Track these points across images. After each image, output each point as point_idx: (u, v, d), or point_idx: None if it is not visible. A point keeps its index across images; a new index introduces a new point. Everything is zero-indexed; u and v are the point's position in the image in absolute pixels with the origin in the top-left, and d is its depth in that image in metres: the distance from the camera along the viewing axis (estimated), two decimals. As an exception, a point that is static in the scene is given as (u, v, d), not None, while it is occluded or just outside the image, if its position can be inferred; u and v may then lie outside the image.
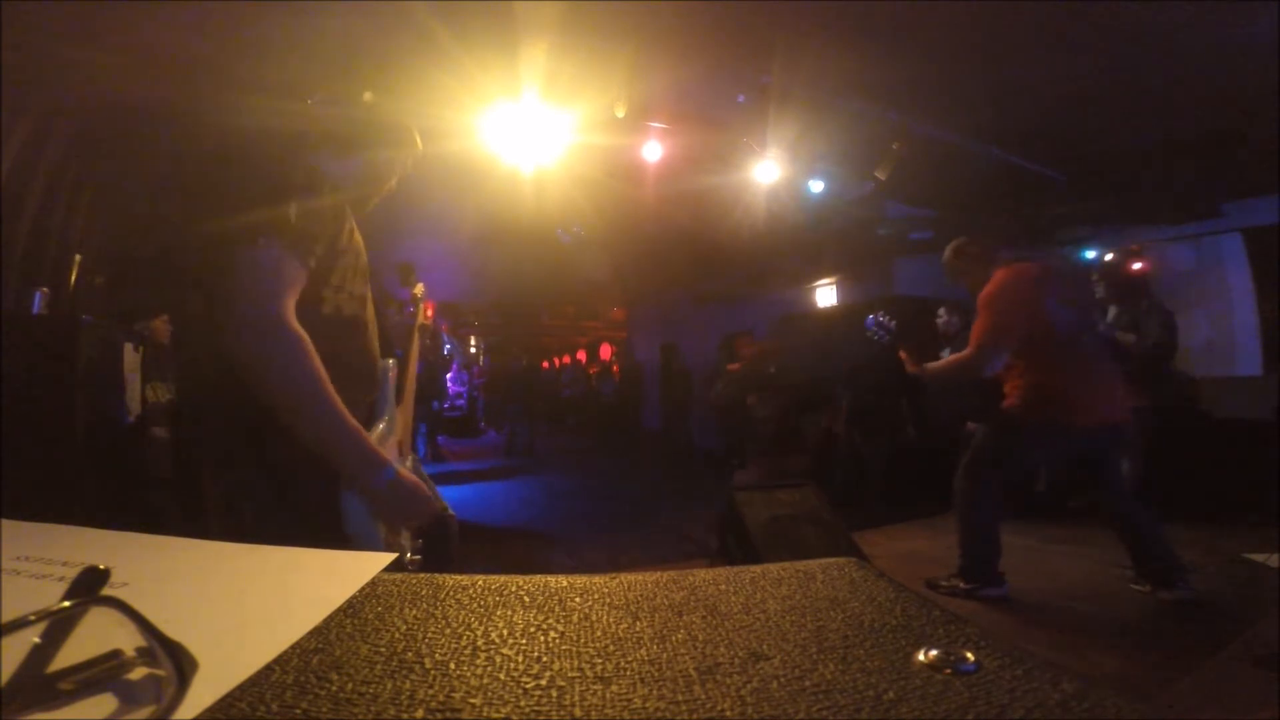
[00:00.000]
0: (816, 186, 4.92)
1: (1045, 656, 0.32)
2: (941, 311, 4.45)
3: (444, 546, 1.53)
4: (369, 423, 1.17)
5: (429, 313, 1.80)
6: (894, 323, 2.70)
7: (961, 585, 2.67)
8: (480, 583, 0.44)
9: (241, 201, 1.00)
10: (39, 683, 0.26)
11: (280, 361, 0.95)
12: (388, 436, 1.22)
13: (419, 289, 1.93)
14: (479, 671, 0.31)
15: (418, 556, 1.23)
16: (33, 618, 0.27)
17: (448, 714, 0.27)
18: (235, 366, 0.95)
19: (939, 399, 4.45)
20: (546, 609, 0.40)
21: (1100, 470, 2.60)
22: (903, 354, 2.71)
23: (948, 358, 2.72)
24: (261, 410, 0.98)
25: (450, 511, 1.58)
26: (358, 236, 1.21)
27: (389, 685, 0.30)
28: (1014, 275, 2.60)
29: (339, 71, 2.75)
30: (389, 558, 0.47)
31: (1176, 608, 2.44)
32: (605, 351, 13.81)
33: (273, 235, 0.99)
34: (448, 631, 0.36)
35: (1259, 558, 2.99)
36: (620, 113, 3.69)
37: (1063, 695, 0.28)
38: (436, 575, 0.45)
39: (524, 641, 0.35)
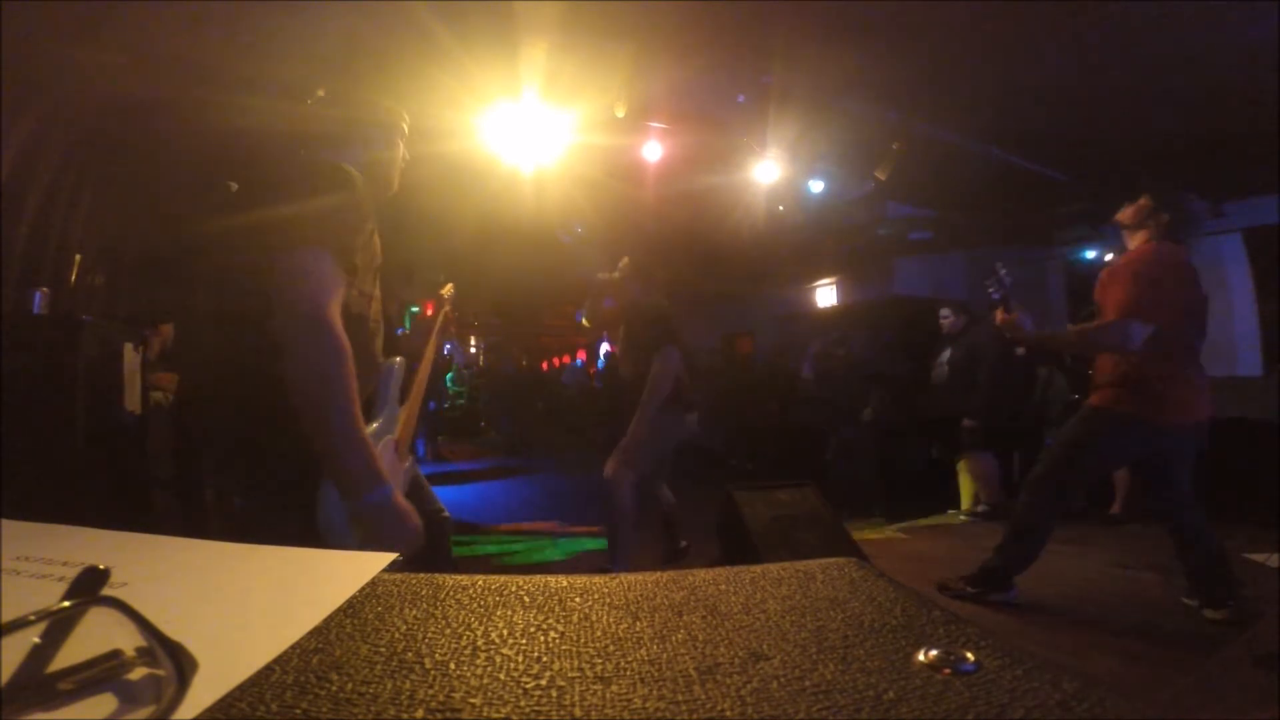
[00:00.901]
0: (816, 186, 4.92)
1: (1045, 656, 0.32)
2: (946, 311, 4.43)
3: (438, 548, 1.52)
4: (365, 418, 1.18)
5: (447, 314, 1.78)
6: (1010, 279, 2.46)
7: (969, 590, 2.60)
8: (480, 583, 0.44)
9: (282, 204, 1.03)
10: (39, 683, 0.26)
11: (323, 364, 0.98)
12: (383, 435, 1.22)
13: (448, 289, 1.92)
14: (479, 671, 0.31)
15: (400, 557, 1.23)
16: (33, 618, 0.27)
17: (448, 714, 0.27)
18: (281, 358, 0.97)
19: (937, 397, 4.44)
20: (546, 609, 0.40)
21: (1168, 472, 2.41)
22: (1001, 317, 2.52)
23: (1084, 325, 2.45)
24: (261, 411, 0.99)
25: (446, 514, 1.58)
26: (376, 237, 1.22)
27: (389, 685, 0.30)
28: (1175, 253, 2.36)
29: (339, 71, 2.75)
30: (389, 557, 0.47)
31: (1189, 612, 2.38)
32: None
33: (322, 240, 1.01)
34: (448, 631, 0.36)
35: (1259, 558, 2.99)
36: (620, 113, 3.69)
37: (1063, 695, 0.28)
38: (436, 575, 0.45)
39: (524, 641, 0.35)
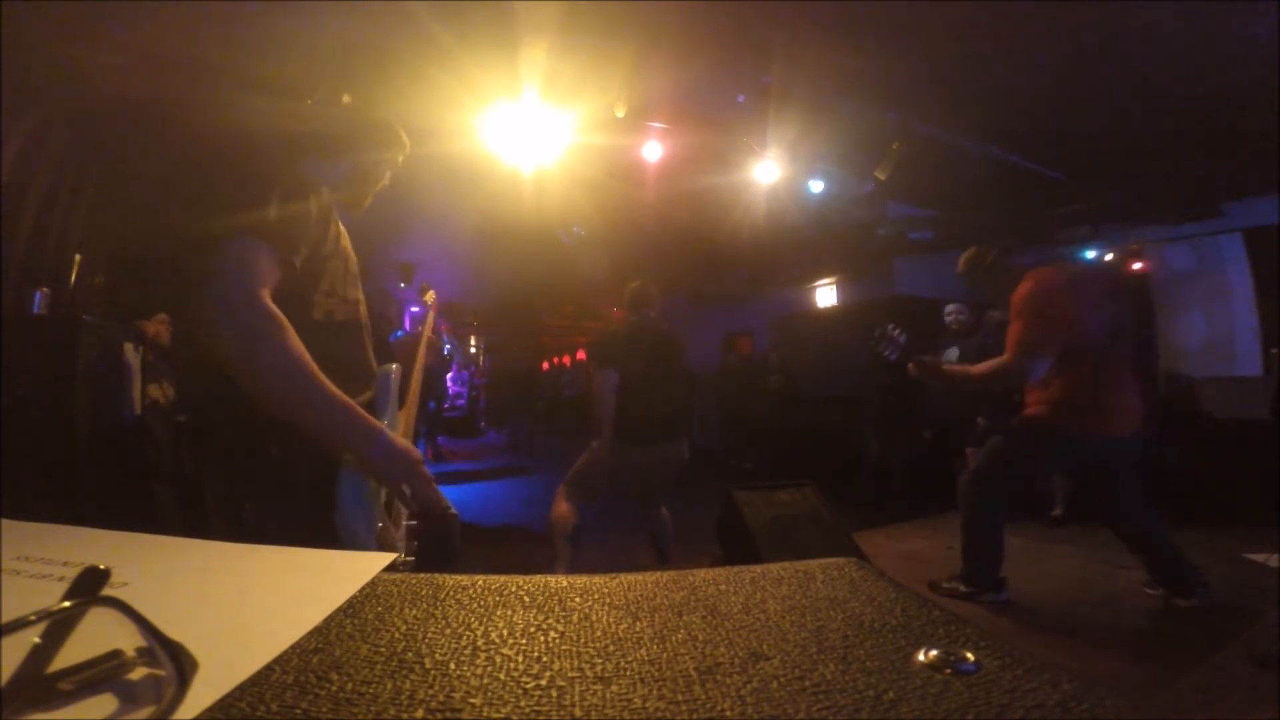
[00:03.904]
0: (816, 186, 4.91)
1: (1045, 657, 0.32)
2: (951, 309, 4.42)
3: (447, 545, 1.53)
4: None
5: (433, 320, 1.79)
6: (904, 336, 2.59)
7: (962, 589, 2.67)
8: (480, 583, 0.44)
9: (224, 202, 1.01)
10: (39, 683, 0.26)
11: (260, 345, 0.95)
12: None
13: (430, 296, 1.93)
14: (479, 671, 0.31)
15: (410, 558, 1.24)
16: (33, 618, 0.27)
17: (448, 714, 0.27)
18: (219, 357, 0.95)
19: (946, 399, 4.43)
20: (546, 609, 0.40)
21: (1113, 479, 2.54)
22: (912, 369, 2.61)
23: (987, 363, 2.59)
24: (258, 408, 0.99)
25: (453, 510, 1.58)
26: (346, 241, 1.21)
27: (389, 685, 0.30)
28: (1049, 279, 2.50)
29: (339, 71, 2.75)
30: (389, 558, 0.47)
31: (1189, 612, 2.41)
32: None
33: (249, 232, 0.99)
34: (448, 631, 0.36)
35: (1259, 558, 3.00)
36: (620, 113, 3.69)
37: (1063, 695, 0.28)
38: (436, 575, 0.45)
39: (524, 641, 0.35)
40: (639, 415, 2.76)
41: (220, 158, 1.15)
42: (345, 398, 1.02)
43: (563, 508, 2.83)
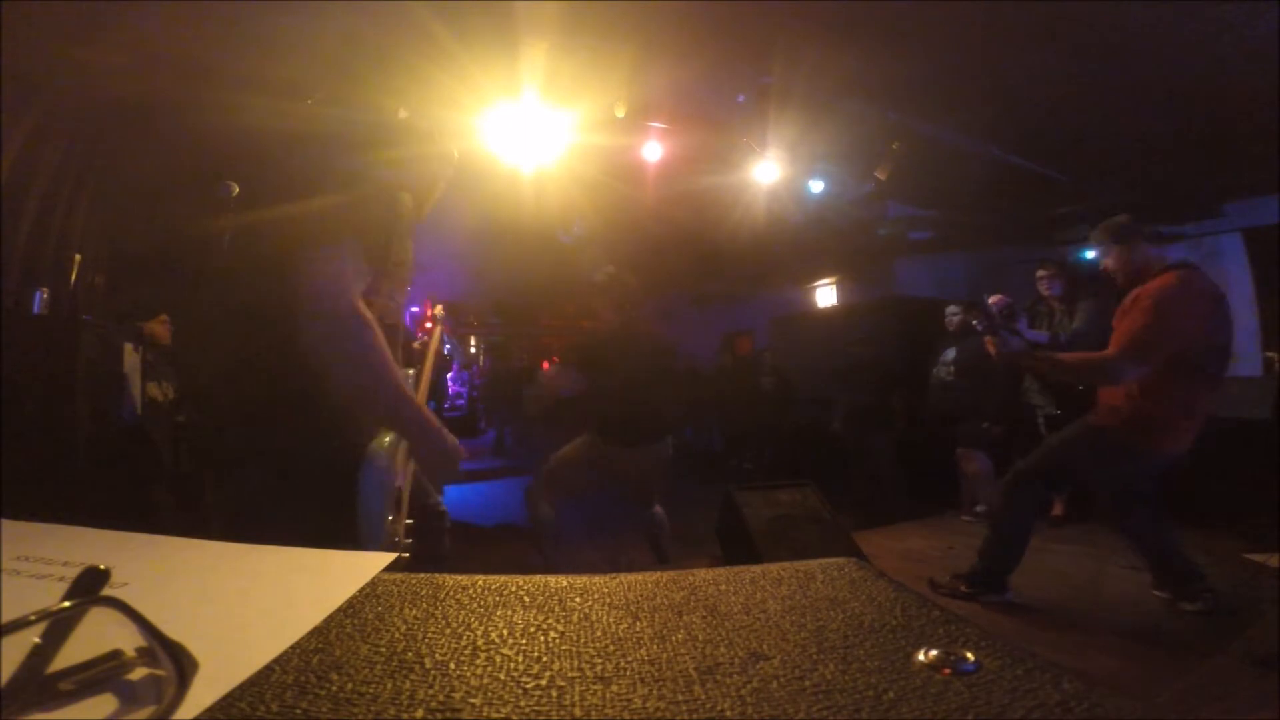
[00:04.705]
0: (816, 186, 4.91)
1: (1045, 656, 0.32)
2: (951, 309, 4.42)
3: (436, 542, 1.54)
4: None
5: (440, 334, 1.83)
6: (1008, 314, 2.50)
7: (962, 589, 2.64)
8: (480, 583, 0.44)
9: (319, 202, 1.09)
10: (39, 683, 0.26)
11: (357, 347, 1.05)
12: (401, 441, 1.24)
13: (439, 309, 1.98)
14: (479, 671, 0.31)
15: (406, 555, 1.26)
16: (33, 618, 0.27)
17: (448, 714, 0.27)
18: (311, 352, 1.03)
19: (939, 397, 4.44)
20: (546, 609, 0.40)
21: (1138, 487, 2.46)
22: (990, 344, 2.50)
23: (1082, 354, 2.45)
24: (268, 405, 1.00)
25: (443, 507, 1.60)
26: (411, 253, 1.26)
27: (389, 685, 0.30)
28: (1195, 285, 2.30)
29: (339, 72, 2.75)
30: (389, 557, 0.47)
31: (1190, 613, 2.39)
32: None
33: (349, 233, 1.08)
34: (448, 631, 0.36)
35: (1259, 558, 3.00)
36: (620, 113, 3.69)
37: (1063, 695, 0.28)
38: (436, 575, 0.45)
39: (524, 641, 0.35)
40: (615, 419, 2.83)
41: (313, 156, 1.22)
42: (417, 400, 1.13)
43: (537, 501, 2.96)
